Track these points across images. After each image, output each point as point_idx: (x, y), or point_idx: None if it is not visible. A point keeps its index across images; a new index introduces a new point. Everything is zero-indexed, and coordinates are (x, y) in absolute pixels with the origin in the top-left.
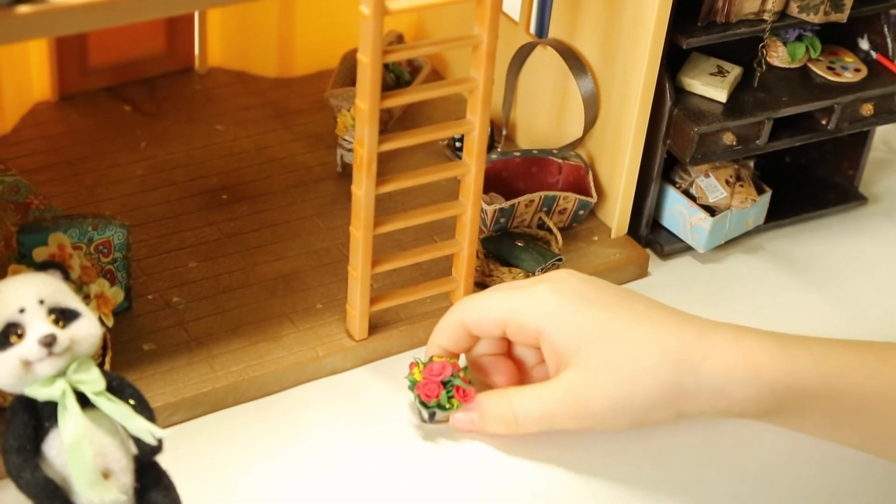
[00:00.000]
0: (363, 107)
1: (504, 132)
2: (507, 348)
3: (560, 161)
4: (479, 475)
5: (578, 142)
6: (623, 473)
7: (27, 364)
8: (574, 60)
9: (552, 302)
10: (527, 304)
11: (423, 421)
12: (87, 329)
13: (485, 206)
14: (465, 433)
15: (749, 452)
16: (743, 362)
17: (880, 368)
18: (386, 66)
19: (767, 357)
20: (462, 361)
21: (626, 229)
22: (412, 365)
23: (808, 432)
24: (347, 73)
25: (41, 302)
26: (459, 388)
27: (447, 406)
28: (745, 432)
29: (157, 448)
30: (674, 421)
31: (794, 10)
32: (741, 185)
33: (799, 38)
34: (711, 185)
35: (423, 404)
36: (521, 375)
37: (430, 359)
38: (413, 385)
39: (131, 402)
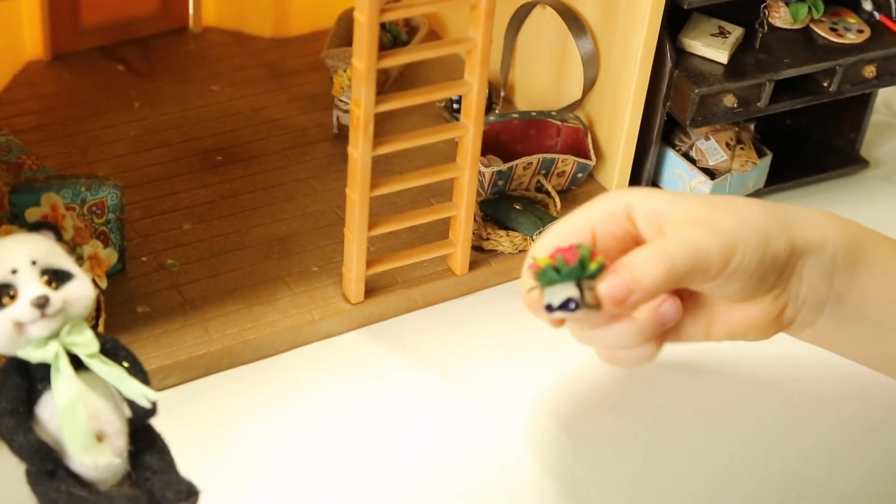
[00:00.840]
0: (360, 67)
1: (502, 93)
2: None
3: (559, 123)
4: (479, 438)
5: (577, 103)
6: (618, 436)
7: (20, 326)
8: (573, 21)
9: (633, 190)
10: (653, 196)
11: (553, 309)
12: (81, 291)
13: (482, 169)
14: (613, 299)
15: (744, 416)
16: (833, 219)
17: None
18: (383, 26)
19: (853, 224)
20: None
21: None
22: (532, 265)
23: (861, 332)
24: (344, 32)
25: (33, 263)
26: (595, 253)
27: (591, 267)
28: (740, 395)
29: (152, 411)
30: (791, 258)
31: None
32: (742, 148)
33: None
34: (711, 148)
35: (565, 270)
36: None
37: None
38: (545, 263)
39: (125, 364)
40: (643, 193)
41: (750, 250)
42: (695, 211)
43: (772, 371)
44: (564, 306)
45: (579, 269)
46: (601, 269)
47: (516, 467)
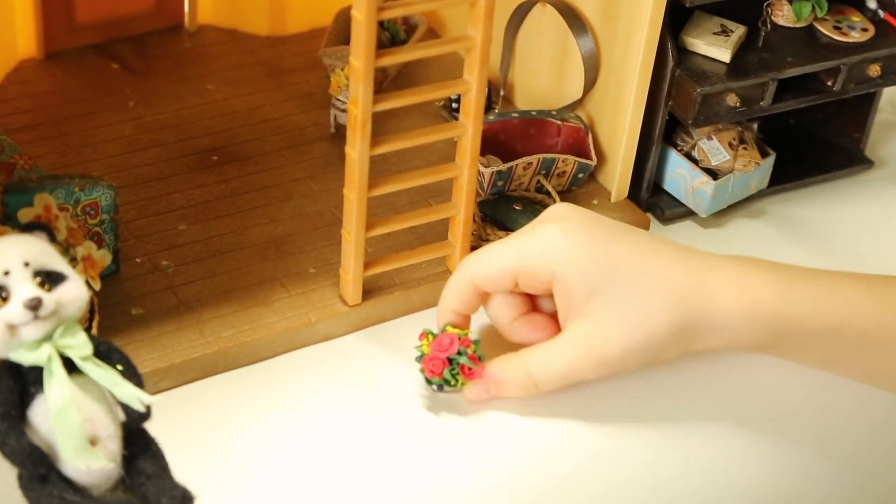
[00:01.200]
0: (357, 65)
1: (502, 93)
2: (531, 304)
3: (559, 123)
4: (477, 440)
5: (578, 103)
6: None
7: (12, 328)
8: (574, 19)
9: (562, 241)
10: (536, 247)
11: (435, 391)
12: (74, 292)
13: (482, 169)
14: (477, 402)
15: (751, 386)
16: (746, 300)
17: (882, 304)
18: (381, 24)
19: (769, 292)
20: (473, 335)
21: (626, 193)
22: (422, 335)
23: (810, 364)
24: (341, 30)
25: (26, 264)
26: (464, 367)
27: (452, 383)
28: (745, 366)
29: (146, 415)
30: (682, 357)
31: None
32: (744, 148)
33: None
34: (714, 148)
35: (428, 380)
36: (556, 326)
37: (444, 328)
38: (420, 358)
39: (119, 367)
40: (569, 267)
41: (637, 359)
42: (602, 311)
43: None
44: (440, 388)
45: (442, 382)
46: (464, 382)
47: (518, 474)
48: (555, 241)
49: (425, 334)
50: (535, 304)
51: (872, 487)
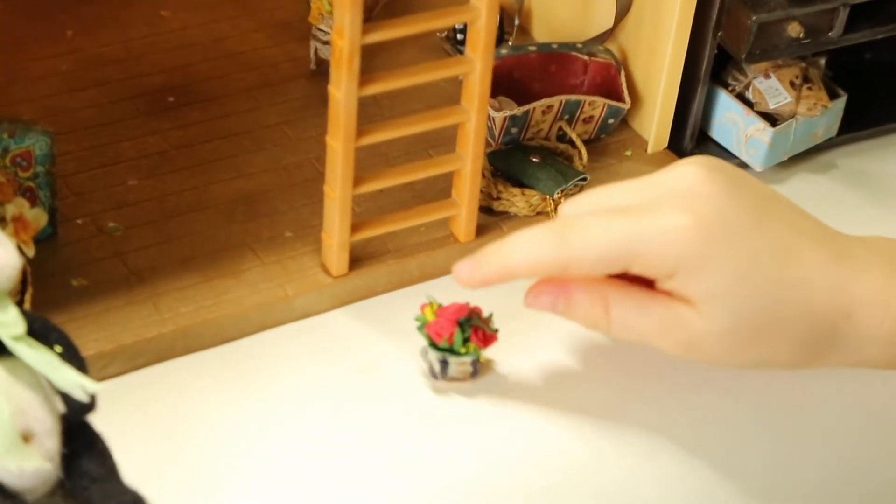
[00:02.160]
0: None
1: (517, 21)
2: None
3: (585, 58)
4: (478, 432)
5: (608, 34)
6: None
7: None
8: None
9: (693, 237)
10: (659, 237)
11: (435, 377)
12: (3, 259)
13: (492, 113)
14: (536, 308)
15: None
16: (887, 323)
17: None
18: None
19: None
20: (486, 313)
21: (666, 142)
22: (424, 305)
23: None
24: None
25: None
26: (479, 330)
27: (461, 351)
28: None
29: (90, 405)
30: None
31: None
32: (809, 88)
33: None
34: (772, 88)
35: (433, 346)
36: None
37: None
38: (423, 325)
39: (58, 349)
40: (696, 269)
41: (737, 364)
42: (717, 314)
43: None
44: (443, 367)
45: (448, 350)
46: (473, 353)
47: (521, 469)
48: (683, 235)
49: (429, 303)
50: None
51: None
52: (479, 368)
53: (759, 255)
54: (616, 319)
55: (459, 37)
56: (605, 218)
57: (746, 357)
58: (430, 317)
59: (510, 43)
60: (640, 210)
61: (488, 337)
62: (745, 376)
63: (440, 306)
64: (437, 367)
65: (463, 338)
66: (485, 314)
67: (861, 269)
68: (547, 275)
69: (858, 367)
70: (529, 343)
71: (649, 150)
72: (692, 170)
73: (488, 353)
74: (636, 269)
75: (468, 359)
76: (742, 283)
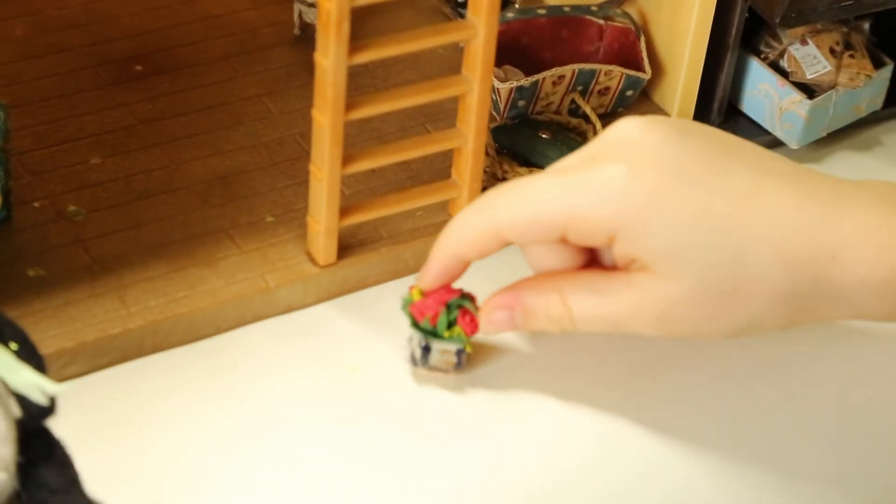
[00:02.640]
0: None
1: None
2: (586, 255)
3: (601, 22)
4: (474, 436)
5: None
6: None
7: None
8: None
9: (631, 190)
10: (594, 194)
11: (415, 364)
12: None
13: (497, 84)
14: (494, 331)
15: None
16: (882, 265)
17: None
18: None
19: None
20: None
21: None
22: (413, 286)
23: None
24: None
25: None
26: (466, 312)
27: (444, 335)
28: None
29: (49, 409)
30: (781, 330)
31: None
32: (851, 56)
33: None
34: (810, 56)
35: (416, 326)
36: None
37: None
38: (407, 305)
39: (13, 346)
40: (639, 226)
41: (717, 330)
42: (680, 276)
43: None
44: (425, 352)
45: (431, 333)
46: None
47: (518, 474)
48: (621, 189)
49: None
50: (594, 255)
51: None
52: (464, 360)
53: (713, 201)
54: (578, 312)
55: None
56: (535, 179)
57: (727, 322)
58: (416, 296)
59: (517, 6)
60: (574, 169)
61: (477, 322)
62: (763, 368)
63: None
64: (417, 353)
65: (448, 320)
66: (480, 301)
67: (846, 207)
68: (485, 248)
69: (860, 320)
70: (521, 336)
71: None
72: (631, 122)
73: (478, 346)
74: (573, 236)
75: (452, 346)
76: (696, 233)
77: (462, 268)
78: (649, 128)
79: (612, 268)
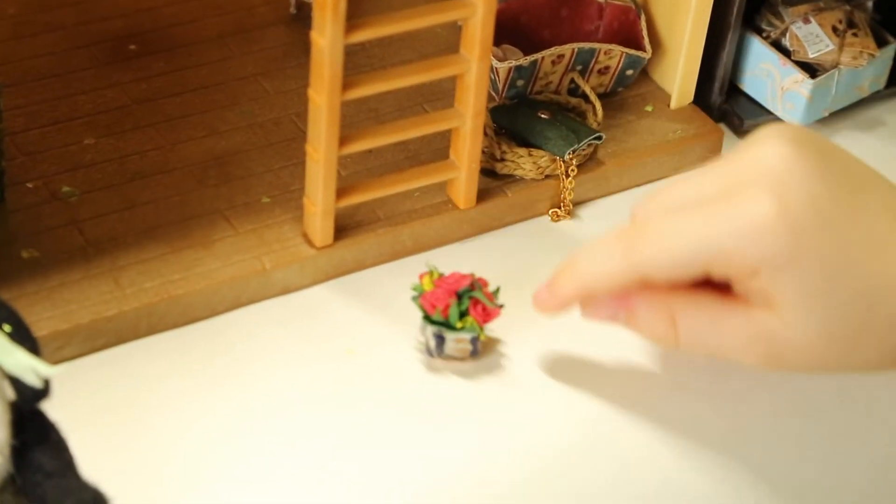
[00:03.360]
0: None
1: None
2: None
3: (601, 1)
4: (477, 422)
5: None
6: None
7: None
8: None
9: (780, 229)
10: (740, 231)
11: (430, 355)
12: None
13: (496, 64)
14: (599, 320)
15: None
16: None
17: None
18: None
19: None
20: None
21: (691, 96)
22: (423, 274)
23: None
24: None
25: None
26: (479, 304)
27: (457, 326)
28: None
29: (43, 392)
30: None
31: None
32: (854, 35)
33: None
34: (812, 35)
35: (427, 318)
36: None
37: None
38: (419, 296)
39: (7, 328)
40: (783, 267)
41: (829, 371)
42: (804, 320)
43: None
44: (439, 343)
45: (443, 324)
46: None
47: (524, 457)
48: (768, 226)
49: (429, 272)
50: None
51: None
52: (479, 347)
53: (851, 250)
54: (685, 334)
55: None
56: (679, 217)
57: (834, 365)
58: (427, 286)
59: None
60: (717, 202)
61: (489, 312)
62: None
63: (441, 275)
64: (432, 344)
65: (460, 311)
66: (492, 287)
67: None
68: (625, 287)
69: None
70: (539, 322)
71: (673, 104)
72: (775, 146)
73: (494, 331)
74: (717, 271)
75: (466, 335)
76: (832, 282)
77: (588, 300)
78: (797, 155)
79: (725, 285)
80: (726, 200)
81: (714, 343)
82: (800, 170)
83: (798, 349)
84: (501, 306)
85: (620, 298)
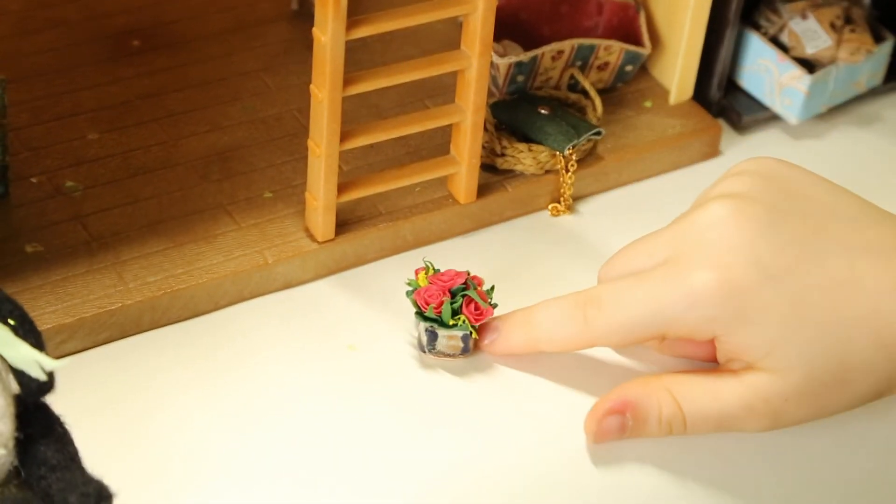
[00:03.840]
0: None
1: None
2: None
3: None
4: (477, 419)
5: None
6: None
7: None
8: None
9: (722, 295)
10: (684, 302)
11: (423, 350)
12: None
13: (496, 59)
14: (599, 437)
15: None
16: None
17: None
18: None
19: None
20: (488, 285)
21: (690, 92)
22: (419, 270)
23: None
24: None
25: None
26: (472, 302)
27: (450, 322)
28: None
29: (47, 385)
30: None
31: None
32: (852, 30)
33: None
34: (810, 30)
35: (420, 314)
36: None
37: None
38: (413, 291)
39: (11, 322)
40: (736, 329)
41: (825, 414)
42: (784, 368)
43: None
44: (431, 339)
45: (436, 321)
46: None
47: (532, 460)
48: (710, 295)
49: (424, 267)
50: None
51: None
52: (471, 345)
53: (809, 296)
54: (690, 412)
55: None
56: (627, 287)
57: (831, 409)
58: (423, 282)
59: None
60: (664, 272)
61: (482, 311)
62: None
63: (437, 272)
64: (424, 339)
65: (453, 309)
66: (486, 286)
67: None
68: (573, 350)
69: None
70: None
71: (672, 100)
72: (720, 210)
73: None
74: (673, 335)
75: (458, 333)
76: (795, 330)
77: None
78: (739, 217)
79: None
80: (671, 271)
81: (718, 415)
82: (738, 235)
83: (795, 403)
84: (495, 306)
85: (619, 400)
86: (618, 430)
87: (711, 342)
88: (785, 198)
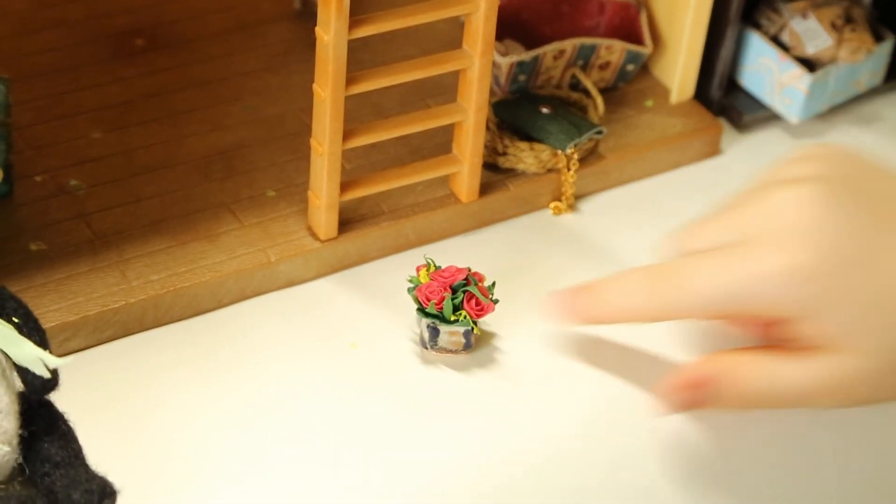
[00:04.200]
0: None
1: None
2: None
3: None
4: (481, 417)
5: None
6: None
7: None
8: None
9: (797, 285)
10: (760, 285)
11: (424, 346)
12: None
13: (498, 59)
14: (674, 407)
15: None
16: None
17: None
18: None
19: None
20: (489, 281)
21: (692, 91)
22: (421, 267)
23: None
24: None
25: None
26: (473, 298)
27: (451, 318)
28: None
29: (51, 382)
30: None
31: None
32: (852, 30)
33: None
34: (811, 30)
35: (422, 310)
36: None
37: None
38: (414, 287)
39: (15, 320)
40: (806, 313)
41: (888, 399)
42: (857, 350)
43: None
44: (433, 335)
45: (438, 317)
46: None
47: (535, 455)
48: (783, 279)
49: (425, 265)
50: None
51: None
52: (472, 341)
53: (879, 281)
54: (766, 390)
55: None
56: (702, 264)
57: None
58: (424, 279)
59: None
60: (738, 251)
61: (483, 307)
62: None
63: (437, 269)
64: (426, 335)
65: (454, 304)
66: (487, 282)
67: None
68: (643, 322)
69: None
70: (534, 316)
71: (673, 99)
72: (797, 192)
73: (489, 324)
74: (742, 318)
75: (460, 328)
76: (876, 312)
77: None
78: (809, 202)
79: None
80: (746, 251)
81: (794, 391)
82: (810, 218)
83: (869, 381)
84: (496, 301)
85: (699, 375)
86: (694, 402)
87: (766, 322)
88: (857, 183)
